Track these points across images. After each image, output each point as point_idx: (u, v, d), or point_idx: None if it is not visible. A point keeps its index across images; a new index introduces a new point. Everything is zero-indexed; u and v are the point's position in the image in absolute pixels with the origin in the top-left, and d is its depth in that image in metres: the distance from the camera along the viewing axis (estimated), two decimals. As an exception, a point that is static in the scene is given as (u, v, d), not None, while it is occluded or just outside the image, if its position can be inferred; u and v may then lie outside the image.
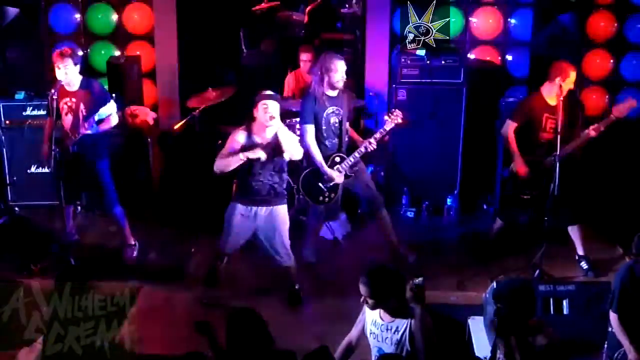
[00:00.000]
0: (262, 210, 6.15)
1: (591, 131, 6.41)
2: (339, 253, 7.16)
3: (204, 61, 9.20)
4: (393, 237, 6.86)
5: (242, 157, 5.94)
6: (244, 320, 4.33)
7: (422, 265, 6.71)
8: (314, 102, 6.48)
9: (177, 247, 7.30)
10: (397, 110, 6.56)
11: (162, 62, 8.77)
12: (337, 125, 6.57)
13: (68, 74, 6.51)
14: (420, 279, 4.52)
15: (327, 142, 6.57)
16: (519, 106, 6.91)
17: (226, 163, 5.98)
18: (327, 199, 6.67)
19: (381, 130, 6.55)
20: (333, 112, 6.53)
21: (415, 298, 4.52)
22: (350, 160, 6.57)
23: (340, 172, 6.57)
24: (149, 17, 8.77)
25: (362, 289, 4.61)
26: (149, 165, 7.98)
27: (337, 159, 6.59)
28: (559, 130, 6.31)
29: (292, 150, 6.07)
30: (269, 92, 6.03)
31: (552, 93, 6.51)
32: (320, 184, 6.61)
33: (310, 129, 6.49)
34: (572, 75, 6.49)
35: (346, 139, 6.64)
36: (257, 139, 6.02)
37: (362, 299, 4.66)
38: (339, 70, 6.40)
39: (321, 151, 6.53)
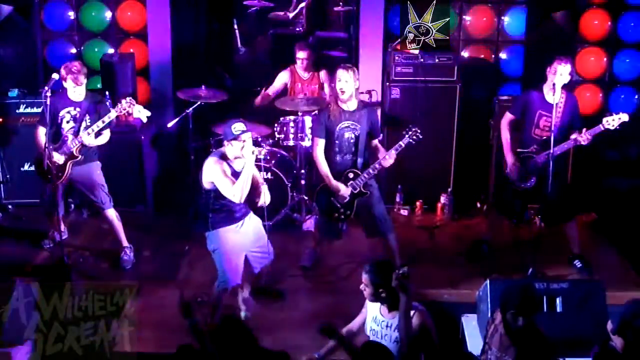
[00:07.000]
0: (244, 223, 5.86)
1: (579, 138, 6.32)
2: (333, 251, 7.15)
3: (197, 59, 9.18)
4: (397, 261, 6.49)
5: (250, 166, 5.51)
6: (228, 331, 4.28)
7: (415, 263, 6.71)
8: (326, 116, 6.41)
9: (171, 246, 7.27)
10: (415, 127, 6.30)
11: (156, 60, 8.75)
12: (352, 140, 6.41)
13: (76, 91, 6.55)
14: (405, 268, 4.67)
15: (338, 157, 6.45)
16: (516, 99, 6.99)
17: (244, 185, 5.54)
18: (342, 216, 6.49)
19: (397, 146, 6.29)
20: (348, 127, 6.40)
21: (401, 287, 4.65)
22: (365, 177, 6.37)
23: (354, 188, 6.38)
24: (142, 15, 8.75)
25: (365, 277, 4.83)
26: (142, 163, 7.95)
27: (351, 175, 6.40)
28: (552, 128, 6.31)
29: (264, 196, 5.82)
30: (241, 126, 5.56)
31: (548, 90, 6.50)
32: (333, 200, 6.46)
33: (318, 142, 6.41)
34: (561, 69, 6.36)
35: (363, 157, 6.45)
36: (234, 165, 5.65)
37: (362, 286, 4.86)
38: (341, 79, 6.30)
39: (333, 166, 6.41)
